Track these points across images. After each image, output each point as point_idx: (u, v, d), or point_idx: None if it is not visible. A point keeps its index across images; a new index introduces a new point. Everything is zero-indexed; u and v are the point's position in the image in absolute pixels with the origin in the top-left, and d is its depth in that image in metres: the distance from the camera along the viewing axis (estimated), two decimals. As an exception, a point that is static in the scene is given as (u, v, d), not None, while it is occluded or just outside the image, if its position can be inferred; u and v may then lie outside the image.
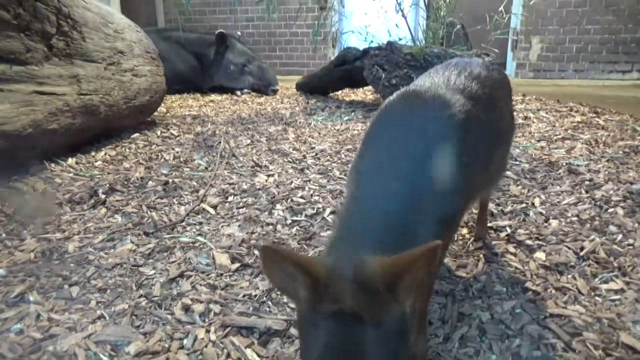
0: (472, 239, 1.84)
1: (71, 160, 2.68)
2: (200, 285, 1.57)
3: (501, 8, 4.14)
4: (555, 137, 3.22)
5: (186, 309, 1.44)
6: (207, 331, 1.34)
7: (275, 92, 5.27)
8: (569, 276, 1.57)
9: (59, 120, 2.43)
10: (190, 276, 1.63)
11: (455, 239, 1.86)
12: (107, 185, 2.35)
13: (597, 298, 1.46)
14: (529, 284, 1.52)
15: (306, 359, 0.79)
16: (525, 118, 3.81)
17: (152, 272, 1.65)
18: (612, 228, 1.87)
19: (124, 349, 1.27)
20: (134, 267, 1.68)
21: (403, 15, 4.19)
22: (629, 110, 3.96)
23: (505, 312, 1.37)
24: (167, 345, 1.28)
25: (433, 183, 1.00)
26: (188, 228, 1.99)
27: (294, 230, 1.95)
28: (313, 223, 2.01)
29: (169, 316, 1.40)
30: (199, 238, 1.88)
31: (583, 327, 1.31)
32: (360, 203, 0.99)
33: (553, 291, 1.49)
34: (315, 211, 2.10)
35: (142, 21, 3.85)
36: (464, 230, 1.92)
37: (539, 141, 3.13)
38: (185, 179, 2.51)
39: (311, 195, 2.28)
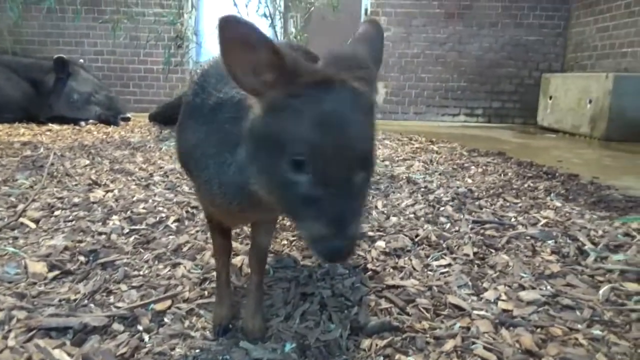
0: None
1: None
2: (4, 295, 1.31)
3: (346, 46, 4.50)
4: (397, 159, 3.49)
5: (-21, 319, 1.18)
6: (5, 337, 1.10)
7: (126, 120, 4.95)
8: (406, 258, 1.64)
9: None
10: (-8, 287, 1.35)
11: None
12: None
13: (429, 272, 1.54)
14: (369, 266, 1.55)
15: (294, 136, 0.73)
16: (372, 144, 4.09)
17: (-61, 287, 1.35)
18: (442, 219, 2.04)
19: None
20: None
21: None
22: (458, 142, 4.50)
23: (345, 287, 1.37)
24: (-57, 357, 1.02)
25: None
26: (-2, 243, 1.68)
27: (131, 238, 1.76)
28: (154, 230, 1.84)
29: (-47, 328, 1.13)
30: (9, 249, 1.60)
31: (416, 295, 1.36)
32: None
33: (391, 270, 1.54)
34: (157, 220, 1.95)
35: None
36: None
37: (383, 161, 3.36)
38: (1, 195, 2.16)
39: (155, 207, 2.12)
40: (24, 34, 6.68)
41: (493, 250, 1.72)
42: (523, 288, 1.43)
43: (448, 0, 6.68)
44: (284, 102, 0.75)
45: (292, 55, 0.75)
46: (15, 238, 1.74)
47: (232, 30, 0.72)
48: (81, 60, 5.48)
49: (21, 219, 1.90)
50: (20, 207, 2.02)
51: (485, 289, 1.42)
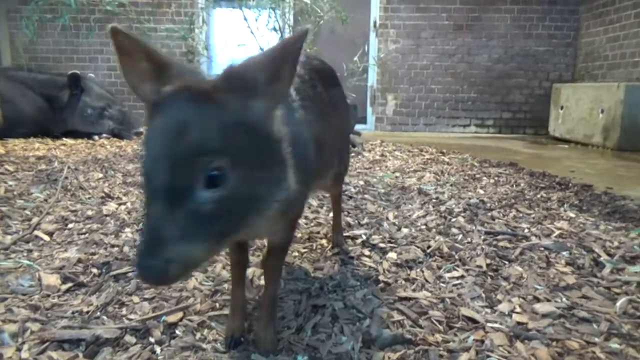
0: (330, 246, 1.84)
1: None
2: (18, 307, 1.32)
3: (356, 58, 4.53)
4: (408, 170, 3.48)
5: (-7, 331, 1.19)
6: (19, 349, 1.11)
7: (138, 134, 5.01)
8: (418, 270, 1.63)
9: None
10: (6, 299, 1.37)
11: (314, 248, 1.85)
12: None
13: (441, 284, 1.52)
14: (381, 277, 1.54)
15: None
16: (382, 155, 4.09)
17: (-45, 300, 1.36)
18: (454, 230, 2.02)
19: None
20: None
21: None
22: (469, 153, 4.48)
23: (357, 299, 1.36)
24: (-42, 369, 1.03)
25: None
26: (13, 255, 1.70)
27: (143, 251, 1.77)
28: (165, 243, 1.85)
29: (-32, 340, 1.14)
30: (23, 261, 1.61)
31: (429, 307, 1.35)
32: None
33: (403, 282, 1.53)
34: (168, 232, 1.95)
35: None
36: (323, 241, 1.93)
37: (394, 172, 3.36)
38: (16, 209, 2.19)
39: (166, 219, 2.13)
40: (39, 51, 6.83)
41: (506, 262, 1.70)
42: (538, 300, 1.41)
43: (457, 12, 6.71)
44: (150, 111, 0.76)
45: (169, 64, 0.77)
46: (30, 251, 1.76)
47: (117, 40, 0.74)
48: (91, 75, 5.56)
49: (36, 232, 1.92)
50: (35, 220, 2.04)
51: (499, 301, 1.41)
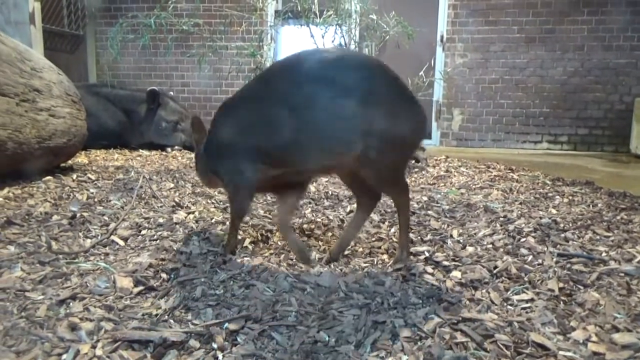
0: (392, 261, 1.82)
1: (-33, 196, 2.44)
2: (95, 307, 1.41)
3: (421, 73, 4.48)
4: (474, 187, 3.37)
5: (72, 327, 1.27)
6: (93, 347, 1.18)
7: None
8: (483, 291, 1.56)
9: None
10: (84, 298, 1.46)
11: (375, 263, 1.83)
12: (4, 218, 2.14)
13: (509, 307, 1.45)
14: (444, 296, 1.49)
15: None
16: (447, 171, 3.99)
17: (41, 297, 1.47)
18: (524, 251, 1.93)
19: (-12, 368, 1.09)
20: (19, 292, 1.49)
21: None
22: (540, 170, 4.27)
23: (418, 317, 1.32)
24: (41, 360, 1.11)
25: None
26: (92, 258, 1.82)
27: (209, 259, 1.84)
28: (230, 252, 1.91)
29: (50, 334, 1.23)
30: (100, 264, 1.72)
31: (495, 330, 1.28)
32: None
33: (467, 302, 1.47)
34: (233, 241, 2.01)
35: (72, 81, 3.77)
36: (384, 257, 1.90)
37: (459, 189, 3.26)
38: (96, 214, 2.35)
39: (231, 229, 2.19)
40: (121, 68, 7.35)
41: (581, 287, 1.60)
42: (617, 330, 1.31)
43: (529, 24, 6.47)
44: None
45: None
46: (107, 254, 1.88)
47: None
48: (171, 93, 5.90)
49: (112, 237, 2.04)
50: (112, 225, 2.18)
51: (573, 328, 1.32)
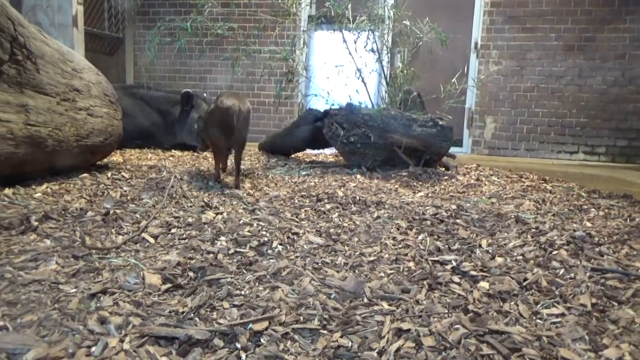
0: (418, 271, 1.80)
1: (8, 190, 2.55)
2: (124, 302, 1.45)
3: (454, 80, 4.43)
4: (505, 196, 3.30)
5: (102, 321, 1.31)
6: (121, 341, 1.21)
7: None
8: (512, 303, 1.53)
9: None
10: (114, 293, 1.50)
11: (401, 270, 1.81)
12: (42, 213, 2.22)
13: (538, 321, 1.41)
14: (470, 307, 1.47)
15: None
16: (477, 180, 3.92)
17: (74, 290, 1.52)
18: (555, 264, 1.87)
19: (22, 357, 1.13)
20: (53, 285, 1.54)
21: (363, 82, 4.40)
22: (575, 181, 4.15)
23: (443, 327, 1.30)
24: (71, 351, 1.14)
25: None
26: (123, 254, 1.87)
27: (235, 259, 1.86)
28: (256, 253, 1.93)
29: (81, 327, 1.27)
30: (131, 260, 1.77)
31: (523, 344, 1.25)
32: None
33: (495, 314, 1.44)
34: (260, 243, 2.03)
35: (111, 82, 3.91)
36: (411, 264, 1.88)
37: (489, 198, 3.20)
38: (128, 212, 2.41)
39: (259, 230, 2.22)
40: (157, 71, 7.53)
41: (615, 303, 1.54)
42: (653, 350, 1.26)
43: (567, 32, 6.32)
44: None
45: None
46: (137, 251, 1.92)
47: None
48: (205, 94, 6.02)
49: (143, 234, 2.09)
50: (143, 223, 2.23)
51: (606, 346, 1.27)
